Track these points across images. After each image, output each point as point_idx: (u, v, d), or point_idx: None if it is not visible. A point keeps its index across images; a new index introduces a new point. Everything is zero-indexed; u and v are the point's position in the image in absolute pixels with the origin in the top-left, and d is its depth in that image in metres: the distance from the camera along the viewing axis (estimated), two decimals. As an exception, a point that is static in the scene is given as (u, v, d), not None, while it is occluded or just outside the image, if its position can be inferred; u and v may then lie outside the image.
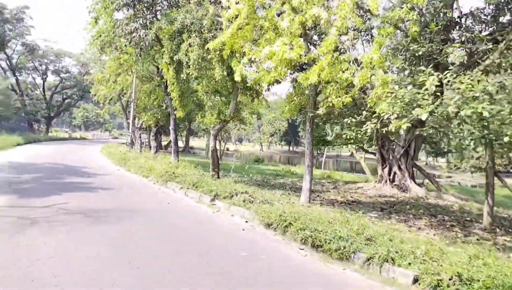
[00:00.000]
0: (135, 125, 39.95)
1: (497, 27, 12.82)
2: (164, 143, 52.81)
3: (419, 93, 7.51)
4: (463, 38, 11.21)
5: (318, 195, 14.40)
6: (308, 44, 10.95)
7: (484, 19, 12.73)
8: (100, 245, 6.10)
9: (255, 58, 10.40)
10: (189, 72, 14.33)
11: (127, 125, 40.20)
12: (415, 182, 18.03)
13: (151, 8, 17.57)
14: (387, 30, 8.56)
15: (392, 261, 5.97)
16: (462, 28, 11.95)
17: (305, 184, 11.75)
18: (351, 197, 15.10)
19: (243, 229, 8.07)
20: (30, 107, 50.71)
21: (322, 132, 24.77)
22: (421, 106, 7.38)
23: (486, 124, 6.93)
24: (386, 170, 18.34)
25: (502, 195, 23.77)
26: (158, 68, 29.87)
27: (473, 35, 11.27)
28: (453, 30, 12.26)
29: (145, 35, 16.51)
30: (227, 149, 66.37)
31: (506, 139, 6.59)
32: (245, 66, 11.32)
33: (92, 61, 44.68)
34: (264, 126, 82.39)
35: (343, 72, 9.00)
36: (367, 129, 8.47)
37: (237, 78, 10.30)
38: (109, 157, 24.71)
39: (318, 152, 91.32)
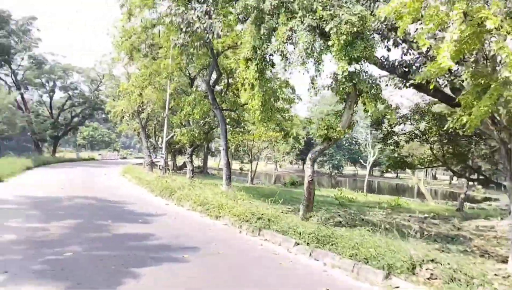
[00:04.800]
0: (159, 145, 35.63)
1: None
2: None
3: None
4: None
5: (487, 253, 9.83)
6: None
7: None
8: None
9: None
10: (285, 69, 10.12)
11: (146, 145, 35.59)
12: None
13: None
14: None
15: None
16: None
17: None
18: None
19: None
20: (37, 125, 46.24)
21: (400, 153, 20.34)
22: None
23: None
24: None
25: None
26: (191, 80, 25.77)
27: None
28: None
29: (211, 25, 12.37)
30: (241, 169, 61.60)
31: None
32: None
33: (107, 76, 40.59)
34: (280, 144, 77.75)
35: None
36: None
37: (446, 62, 5.84)
38: (140, 184, 20.18)
39: (336, 171, 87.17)
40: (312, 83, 9.81)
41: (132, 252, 6.84)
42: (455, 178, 73.41)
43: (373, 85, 10.05)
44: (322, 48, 9.35)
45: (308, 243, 8.15)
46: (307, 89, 9.99)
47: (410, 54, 13.97)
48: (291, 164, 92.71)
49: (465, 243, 10.76)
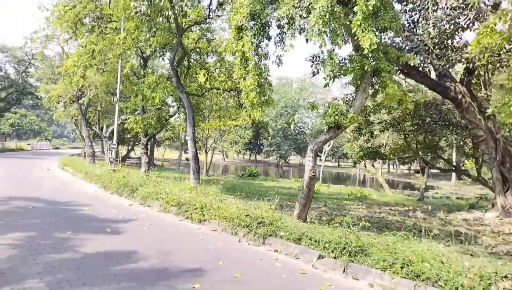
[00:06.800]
0: (103, 134, 32.11)
1: None
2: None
3: None
4: None
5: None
6: None
7: None
8: None
9: None
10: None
11: (86, 134, 31.78)
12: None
13: None
14: None
15: None
16: None
17: None
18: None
19: None
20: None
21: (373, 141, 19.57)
22: None
23: None
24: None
25: None
26: (144, 60, 22.94)
27: None
28: None
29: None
30: (186, 159, 59.09)
31: None
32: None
33: (39, 55, 35.70)
34: (229, 134, 75.75)
35: None
36: None
37: None
38: (88, 179, 17.38)
39: (283, 161, 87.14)
40: (331, 58, 8.12)
41: (120, 284, 4.75)
42: (391, 166, 76.57)
43: (391, 65, 8.65)
44: (342, 15, 7.69)
45: (336, 257, 6.53)
46: (321, 68, 8.27)
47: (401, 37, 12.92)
48: (238, 154, 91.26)
49: (477, 241, 9.86)
